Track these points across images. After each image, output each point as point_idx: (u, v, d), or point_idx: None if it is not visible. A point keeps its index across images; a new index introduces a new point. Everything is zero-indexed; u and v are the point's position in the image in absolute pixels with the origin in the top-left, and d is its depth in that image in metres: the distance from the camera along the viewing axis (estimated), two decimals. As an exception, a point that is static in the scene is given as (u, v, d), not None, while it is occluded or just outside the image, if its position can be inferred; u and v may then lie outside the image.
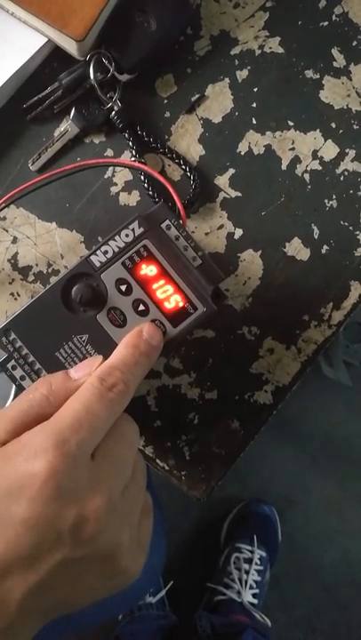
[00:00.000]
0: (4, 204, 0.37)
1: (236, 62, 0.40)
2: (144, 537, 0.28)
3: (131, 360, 0.27)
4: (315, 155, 0.40)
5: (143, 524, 0.28)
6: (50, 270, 0.40)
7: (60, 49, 0.37)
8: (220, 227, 0.40)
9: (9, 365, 0.30)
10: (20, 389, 0.30)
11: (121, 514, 0.24)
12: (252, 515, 1.05)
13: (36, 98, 0.38)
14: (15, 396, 0.42)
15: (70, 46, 0.37)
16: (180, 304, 0.30)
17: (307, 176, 0.40)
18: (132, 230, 0.29)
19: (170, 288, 0.30)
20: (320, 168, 0.40)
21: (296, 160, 0.40)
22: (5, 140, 0.39)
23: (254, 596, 0.98)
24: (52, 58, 0.39)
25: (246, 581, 0.98)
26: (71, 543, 0.23)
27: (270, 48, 0.40)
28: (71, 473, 0.23)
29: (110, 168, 0.40)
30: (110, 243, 0.29)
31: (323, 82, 0.40)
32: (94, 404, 0.24)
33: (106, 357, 0.28)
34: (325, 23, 0.40)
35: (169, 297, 0.30)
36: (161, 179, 0.36)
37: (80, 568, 0.24)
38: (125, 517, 0.25)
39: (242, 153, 0.40)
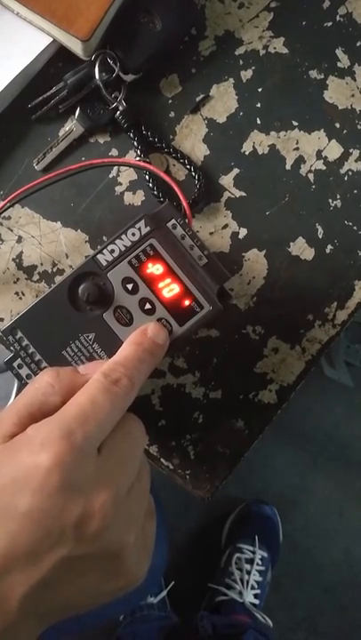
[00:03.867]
0: (8, 204, 0.37)
1: (241, 62, 0.40)
2: (148, 540, 0.27)
3: (134, 357, 0.27)
4: (319, 155, 0.40)
5: (147, 527, 0.27)
6: (55, 270, 0.40)
7: (65, 49, 0.38)
8: (225, 226, 0.40)
9: (15, 364, 0.30)
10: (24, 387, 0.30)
11: (127, 513, 0.24)
12: (254, 515, 1.05)
13: (41, 98, 0.38)
14: (17, 394, 0.42)
15: (75, 46, 0.37)
16: (187, 303, 0.30)
17: (311, 176, 0.40)
18: (139, 229, 0.30)
19: (176, 287, 0.30)
20: (324, 168, 0.40)
21: (300, 160, 0.40)
22: (10, 139, 0.39)
23: (256, 596, 0.98)
24: (58, 58, 0.39)
25: (248, 582, 0.98)
26: (75, 539, 0.22)
27: (275, 48, 0.40)
28: (77, 465, 0.22)
29: (115, 168, 0.40)
30: (117, 242, 0.29)
31: (327, 82, 0.40)
32: (99, 397, 0.24)
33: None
34: (330, 23, 0.40)
35: (175, 296, 0.30)
36: (166, 178, 0.36)
37: (84, 567, 0.23)
38: (131, 517, 0.24)
39: (246, 153, 0.40)
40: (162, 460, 0.40)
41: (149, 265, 0.30)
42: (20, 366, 0.30)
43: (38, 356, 0.30)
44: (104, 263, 0.29)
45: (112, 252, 0.29)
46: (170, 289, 0.30)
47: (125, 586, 0.25)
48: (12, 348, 0.30)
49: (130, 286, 0.30)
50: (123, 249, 0.29)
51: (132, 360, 0.27)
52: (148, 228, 0.30)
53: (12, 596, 0.21)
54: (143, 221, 0.30)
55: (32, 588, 0.21)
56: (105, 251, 0.29)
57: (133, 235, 0.30)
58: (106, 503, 0.23)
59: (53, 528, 0.22)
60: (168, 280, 0.30)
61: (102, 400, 0.24)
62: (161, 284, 0.30)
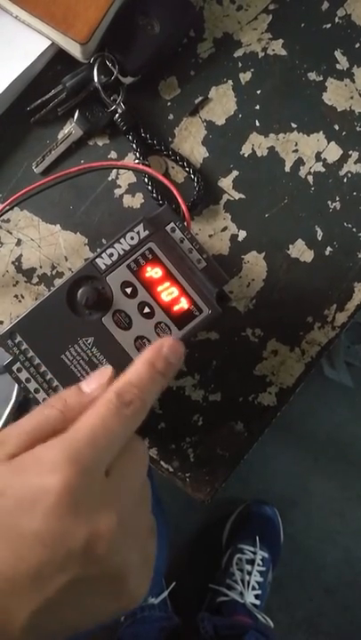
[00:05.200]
0: (8, 207, 0.37)
1: (240, 65, 0.40)
2: (150, 557, 0.27)
3: (147, 377, 0.26)
4: (318, 157, 0.40)
5: (148, 545, 0.27)
6: (54, 272, 0.40)
7: (63, 52, 0.38)
8: (224, 229, 0.40)
9: (14, 367, 0.30)
10: (24, 391, 0.30)
11: (131, 533, 0.24)
12: (255, 516, 1.05)
13: (39, 100, 0.38)
14: (17, 398, 0.42)
15: (74, 49, 0.37)
16: (185, 306, 0.30)
17: (310, 178, 0.40)
18: (138, 233, 0.30)
19: (175, 290, 0.30)
20: (323, 170, 0.40)
21: (299, 162, 0.40)
22: (9, 142, 0.39)
23: (257, 597, 0.98)
24: (56, 61, 0.39)
25: (249, 582, 0.98)
26: (82, 562, 0.22)
27: (273, 50, 0.40)
28: (86, 489, 0.22)
29: (114, 170, 0.40)
30: (116, 245, 0.30)
31: (326, 84, 0.40)
32: (111, 420, 0.24)
33: (112, 362, 0.28)
34: (328, 25, 0.40)
35: (174, 299, 0.30)
36: (165, 181, 0.36)
37: (88, 588, 0.23)
38: (134, 537, 0.24)
39: (245, 155, 0.40)
40: (162, 462, 0.40)
41: (148, 269, 0.30)
42: (19, 370, 0.30)
43: (37, 360, 0.30)
44: (103, 267, 0.29)
45: (111, 255, 0.29)
46: (169, 292, 0.30)
47: (127, 605, 0.24)
48: (11, 351, 0.30)
49: (129, 290, 0.30)
50: (121, 253, 0.29)
51: (145, 380, 0.26)
52: (147, 232, 0.30)
53: (17, 618, 0.21)
54: (142, 225, 0.30)
55: (36, 610, 0.21)
56: (104, 254, 0.29)
57: (132, 238, 0.30)
58: (113, 526, 0.22)
59: (60, 551, 0.21)
60: (167, 284, 0.30)
61: (113, 422, 0.24)
62: (160, 288, 0.30)
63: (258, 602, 0.98)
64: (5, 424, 0.41)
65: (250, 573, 0.99)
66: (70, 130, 0.39)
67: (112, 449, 0.24)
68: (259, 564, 1.00)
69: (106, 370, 0.27)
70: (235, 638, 0.84)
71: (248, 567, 0.99)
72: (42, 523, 0.21)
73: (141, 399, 0.25)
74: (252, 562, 1.00)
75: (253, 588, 0.98)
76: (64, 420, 0.25)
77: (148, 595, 0.95)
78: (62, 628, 0.23)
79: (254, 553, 1.00)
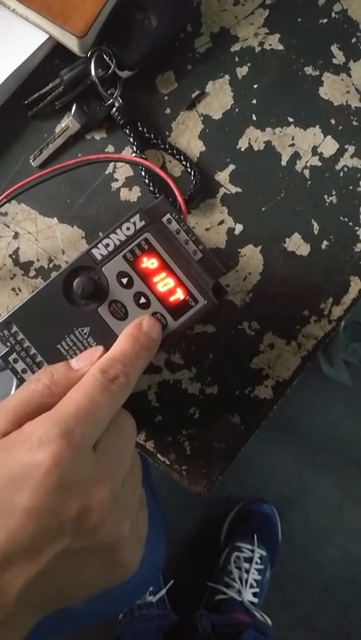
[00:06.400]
0: (5, 200, 0.37)
1: (237, 59, 0.40)
2: (141, 530, 0.28)
3: (131, 352, 0.27)
4: (315, 151, 0.40)
5: (140, 517, 0.28)
6: (51, 266, 0.40)
7: (61, 45, 0.38)
8: (221, 222, 0.40)
9: (10, 358, 0.30)
10: (21, 382, 0.30)
11: (122, 506, 0.25)
12: (253, 514, 1.05)
13: (37, 94, 0.39)
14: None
15: (71, 43, 0.37)
16: (181, 297, 0.30)
17: (307, 172, 0.40)
18: (134, 224, 0.30)
19: (171, 281, 0.30)
20: (320, 164, 0.40)
21: (296, 156, 0.40)
22: (7, 135, 0.40)
23: (255, 595, 0.98)
24: (54, 54, 0.39)
25: (247, 580, 0.98)
26: (73, 534, 0.22)
27: (270, 45, 0.40)
28: (76, 463, 0.23)
29: (111, 164, 0.40)
30: (112, 236, 0.30)
31: (322, 78, 0.40)
32: (97, 396, 0.24)
33: (107, 350, 0.28)
34: (325, 20, 0.40)
35: (170, 290, 0.30)
36: (162, 174, 0.36)
37: (80, 559, 0.24)
38: (126, 509, 0.25)
39: (242, 149, 0.40)
40: (158, 455, 0.40)
41: (144, 259, 0.30)
42: (15, 361, 0.30)
43: (33, 350, 0.30)
44: (99, 257, 0.30)
45: (107, 246, 0.30)
46: (165, 283, 0.30)
47: (120, 576, 0.25)
48: (7, 342, 0.30)
49: (125, 280, 0.30)
50: (117, 243, 0.30)
51: (128, 356, 0.27)
52: (143, 223, 0.30)
53: (11, 588, 0.22)
54: (138, 216, 0.30)
55: (30, 580, 0.22)
56: (100, 245, 0.30)
57: (128, 229, 0.30)
58: (103, 498, 0.23)
59: (53, 523, 0.22)
60: (163, 274, 0.30)
61: (99, 398, 0.24)
62: (156, 279, 0.30)
63: (256, 600, 0.98)
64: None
65: (248, 571, 0.99)
66: (68, 123, 0.39)
67: (99, 423, 0.24)
68: (257, 562, 1.00)
69: (96, 349, 0.28)
70: (233, 636, 0.84)
71: (246, 565, 1.00)
72: (33, 497, 0.22)
73: (126, 374, 0.26)
74: (250, 560, 1.00)
75: (251, 586, 0.98)
76: (51, 395, 0.25)
77: (145, 592, 0.95)
78: (56, 599, 0.24)
79: (252, 551, 1.00)
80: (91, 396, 0.24)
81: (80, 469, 0.23)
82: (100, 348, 0.28)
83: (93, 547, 0.23)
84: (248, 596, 0.97)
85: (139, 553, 0.27)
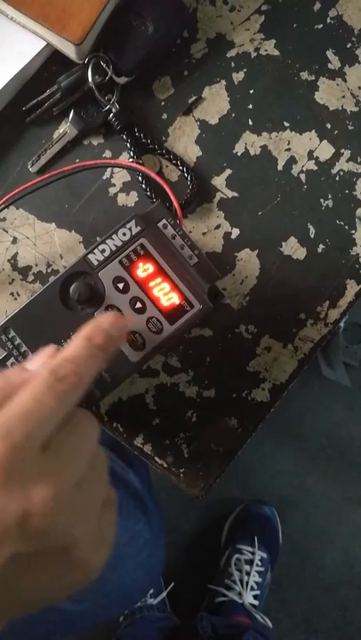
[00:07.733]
0: (3, 205, 0.37)
1: (233, 64, 0.41)
2: (107, 529, 0.27)
3: (84, 353, 0.26)
4: (310, 155, 0.41)
5: (105, 517, 0.27)
6: (49, 270, 0.40)
7: (58, 52, 0.38)
8: (218, 226, 0.40)
9: (8, 363, 0.30)
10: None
11: (75, 506, 0.24)
12: (253, 516, 1.05)
13: (35, 100, 0.39)
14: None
15: (69, 49, 0.37)
16: (177, 302, 0.30)
17: (303, 176, 0.41)
18: (130, 229, 0.30)
19: (166, 286, 0.30)
20: (316, 168, 0.41)
21: (292, 160, 0.41)
22: (5, 141, 0.40)
23: (255, 597, 0.98)
24: (51, 61, 0.39)
25: (247, 582, 0.98)
26: (20, 537, 0.22)
27: (266, 50, 0.41)
28: (18, 464, 0.22)
29: (109, 169, 0.40)
30: (108, 241, 0.30)
31: (318, 83, 0.41)
32: (43, 395, 0.24)
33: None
34: (320, 26, 0.41)
35: (165, 295, 0.30)
36: (158, 179, 0.36)
37: (34, 563, 0.23)
38: (81, 510, 0.24)
39: (238, 154, 0.40)
40: (156, 458, 0.40)
41: (140, 264, 0.30)
42: (13, 365, 0.30)
43: (31, 355, 0.30)
44: (95, 263, 0.30)
45: (103, 251, 0.30)
46: (160, 288, 0.30)
47: (83, 579, 0.24)
48: (4, 347, 0.30)
49: (121, 285, 0.30)
50: (114, 248, 0.30)
51: (80, 357, 0.26)
52: (139, 228, 0.30)
53: None
54: (134, 221, 0.30)
55: None
56: (96, 250, 0.30)
57: (124, 234, 0.30)
58: (47, 500, 0.22)
59: None
60: (159, 279, 0.30)
61: (46, 397, 0.24)
62: (152, 284, 0.30)
63: (256, 602, 0.98)
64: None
65: (248, 574, 0.99)
66: (65, 129, 0.39)
67: (45, 424, 0.24)
68: (257, 565, 1.00)
69: (48, 348, 0.27)
70: (233, 638, 0.84)
71: (247, 567, 0.99)
72: None
73: (77, 373, 0.25)
74: (250, 562, 1.00)
75: (252, 589, 0.98)
76: (4, 397, 0.25)
77: (145, 595, 0.95)
78: (17, 603, 0.23)
79: (253, 553, 1.00)
80: (36, 395, 0.24)
81: (22, 470, 0.22)
82: (52, 346, 0.28)
83: (44, 550, 0.22)
84: (249, 598, 0.97)
85: (103, 554, 0.26)
